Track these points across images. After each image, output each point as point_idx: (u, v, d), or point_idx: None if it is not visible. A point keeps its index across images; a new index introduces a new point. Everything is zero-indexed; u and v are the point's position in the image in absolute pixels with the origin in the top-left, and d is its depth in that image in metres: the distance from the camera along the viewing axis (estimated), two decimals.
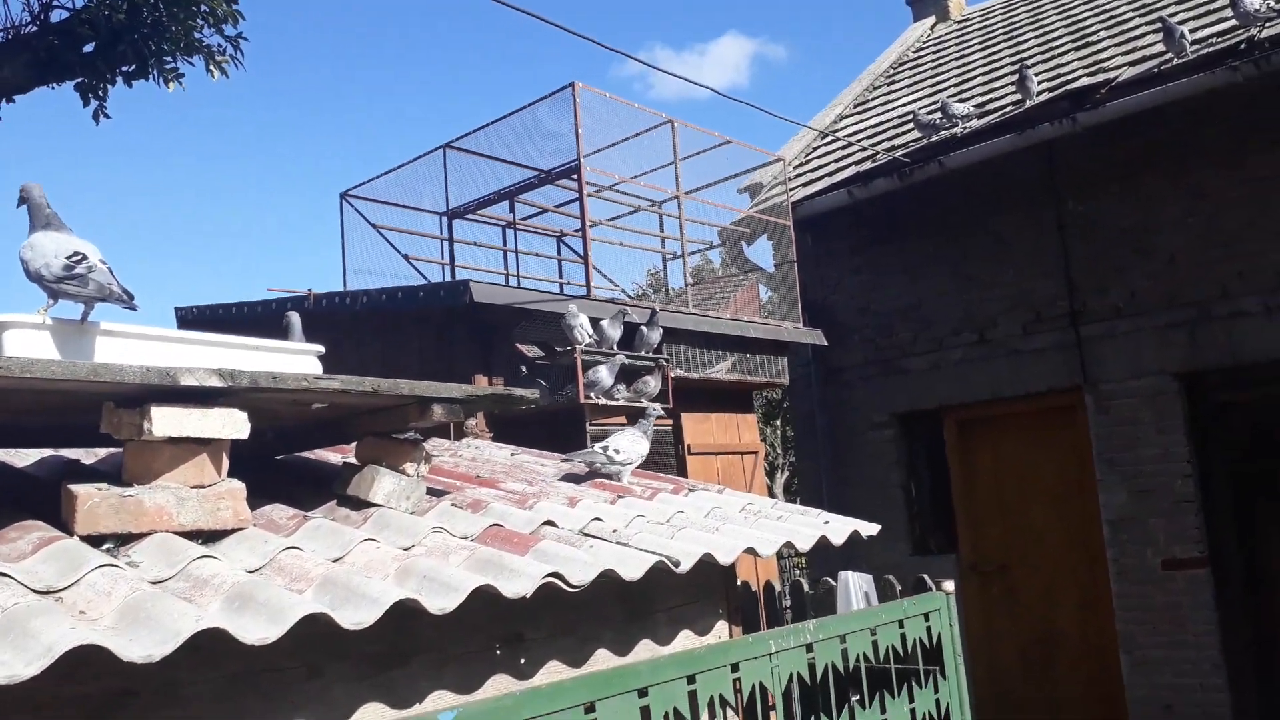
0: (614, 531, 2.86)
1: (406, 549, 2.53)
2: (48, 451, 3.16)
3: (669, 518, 3.18)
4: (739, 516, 3.36)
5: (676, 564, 2.66)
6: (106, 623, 1.75)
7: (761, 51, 54.63)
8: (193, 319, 7.64)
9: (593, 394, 5.41)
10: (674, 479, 3.87)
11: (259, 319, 7.22)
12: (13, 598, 1.69)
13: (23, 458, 3.07)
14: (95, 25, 7.18)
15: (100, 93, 7.33)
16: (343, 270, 7.89)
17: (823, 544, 3.26)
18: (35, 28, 7.35)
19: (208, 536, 2.31)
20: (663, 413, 5.03)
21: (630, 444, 3.63)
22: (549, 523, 2.90)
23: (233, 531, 2.35)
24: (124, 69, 7.51)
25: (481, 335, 5.91)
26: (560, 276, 8.40)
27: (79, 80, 7.33)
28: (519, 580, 2.31)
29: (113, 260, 2.34)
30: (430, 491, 3.06)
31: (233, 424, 2.33)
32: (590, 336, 5.59)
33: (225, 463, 2.39)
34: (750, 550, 2.96)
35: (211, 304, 7.69)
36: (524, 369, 5.77)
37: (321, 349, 2.82)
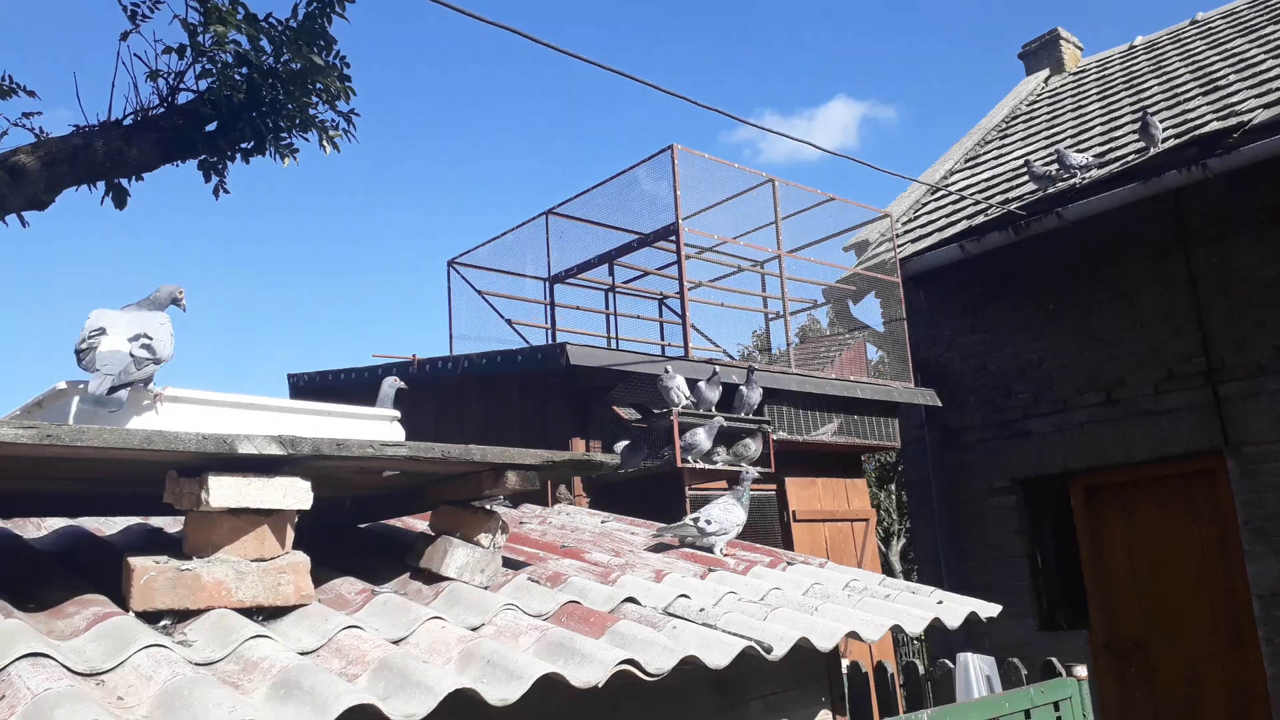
0: (701, 611, 2.65)
1: (475, 629, 2.38)
2: (136, 520, 3.15)
3: (763, 595, 2.95)
4: (841, 594, 3.10)
5: (768, 650, 2.43)
6: (142, 711, 1.64)
7: (871, 114, 54.32)
8: (304, 385, 7.81)
9: (690, 457, 5.22)
10: (772, 550, 3.63)
11: (364, 384, 7.32)
12: (46, 681, 1.60)
13: (110, 525, 3.07)
14: (217, 105, 7.55)
15: (220, 169, 7.67)
16: (449, 337, 7.97)
17: (936, 625, 2.97)
18: (163, 110, 7.78)
19: (269, 613, 2.21)
20: (759, 475, 4.79)
21: (723, 513, 3.43)
22: (631, 600, 2.71)
23: (295, 608, 2.25)
24: (243, 146, 7.86)
25: (578, 398, 5.81)
26: (661, 339, 8.29)
27: (201, 158, 7.70)
28: (589, 667, 2.13)
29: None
30: (509, 563, 2.92)
31: (295, 494, 2.24)
32: (688, 398, 5.42)
33: (290, 534, 2.30)
34: (852, 635, 2.71)
35: (322, 370, 7.86)
36: (618, 432, 5.63)
37: (397, 414, 2.73)
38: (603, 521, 4.22)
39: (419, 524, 3.55)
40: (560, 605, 2.56)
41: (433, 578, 2.68)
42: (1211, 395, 6.97)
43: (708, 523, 3.36)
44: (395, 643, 2.25)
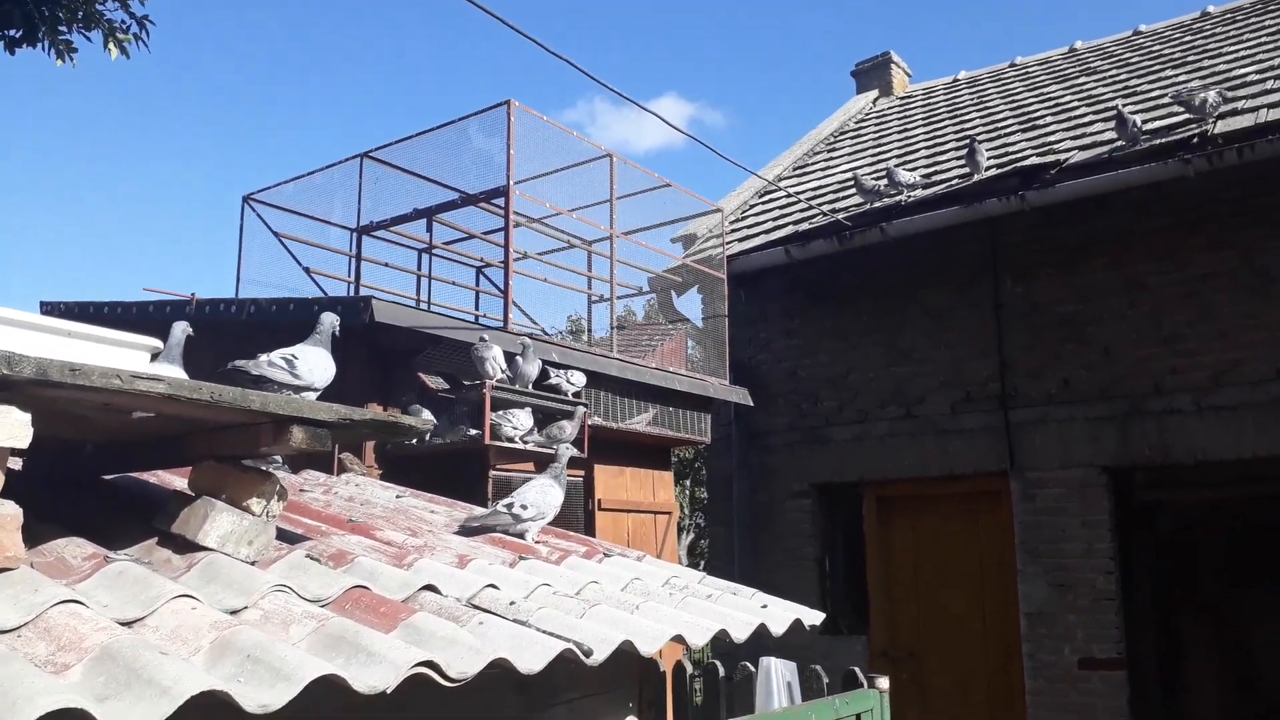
0: (511, 604, 2.29)
1: (235, 612, 1.93)
2: None
3: (580, 589, 2.63)
4: (662, 592, 2.82)
5: (588, 653, 2.10)
6: None
7: (700, 115, 55.36)
8: (59, 316, 6.81)
9: (503, 436, 4.84)
10: (586, 540, 3.32)
11: (133, 321, 6.46)
12: None
13: None
14: None
15: None
16: (236, 279, 7.18)
17: (761, 632, 2.75)
18: None
19: None
20: (577, 453, 4.47)
21: (540, 496, 3.09)
22: (430, 588, 2.31)
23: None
24: (9, 33, 6.78)
25: (381, 360, 5.29)
26: (476, 309, 7.82)
27: None
28: (378, 669, 1.73)
29: None
30: (284, 536, 2.46)
31: (8, 427, 1.72)
32: (503, 372, 5.03)
33: None
34: (679, 639, 2.43)
35: (81, 300, 6.90)
36: (423, 401, 5.16)
37: (158, 343, 2.21)
38: (397, 496, 3.78)
39: (179, 481, 3.00)
40: (344, 590, 2.14)
41: (187, 546, 2.18)
42: (1003, 420, 7.26)
43: (524, 507, 3.01)
44: (127, 624, 1.77)
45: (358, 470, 4.48)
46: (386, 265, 7.29)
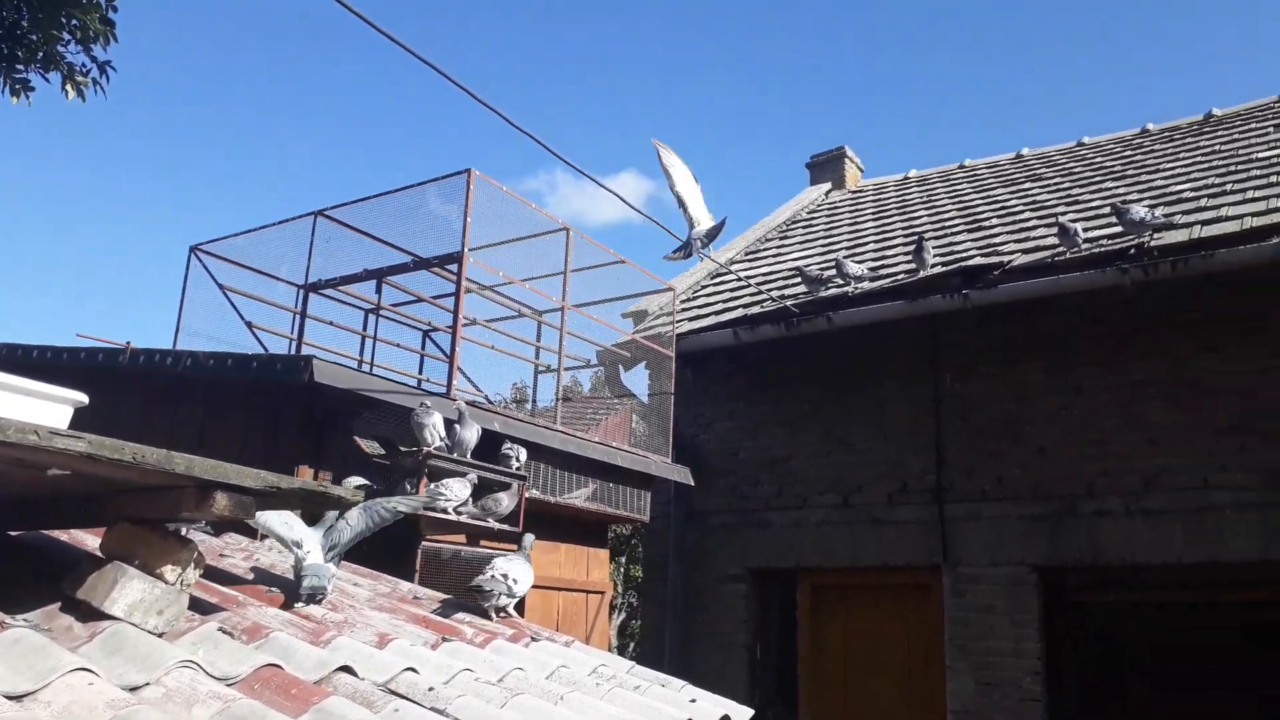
0: (430, 690, 2.21)
1: (135, 689, 1.83)
2: None
3: (503, 676, 2.55)
4: (589, 682, 2.75)
5: None
6: None
7: (658, 193, 56.35)
8: None
9: (438, 508, 4.74)
10: (513, 622, 3.24)
11: (64, 367, 6.28)
12: None
13: None
14: None
15: None
16: (176, 329, 7.03)
17: None
18: None
19: None
20: (532, 537, 4.38)
21: (524, 572, 3.03)
22: (346, 669, 2.23)
23: None
24: None
25: (316, 421, 5.19)
26: (420, 372, 7.73)
27: None
28: None
29: None
30: (197, 605, 2.36)
31: None
32: (442, 439, 4.95)
33: None
34: None
35: (9, 343, 6.68)
36: (356, 466, 5.05)
37: (83, 398, 2.14)
38: None
39: (92, 540, 2.88)
40: (255, 668, 2.04)
41: (93, 614, 2.08)
42: (938, 514, 7.31)
43: (514, 581, 2.96)
44: (16, 699, 1.67)
45: None
46: (332, 324, 7.20)
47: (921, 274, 7.46)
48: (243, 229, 7.13)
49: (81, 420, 2.41)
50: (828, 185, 12.68)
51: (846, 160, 12.68)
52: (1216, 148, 8.91)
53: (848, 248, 9.46)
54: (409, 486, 4.76)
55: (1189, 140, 9.63)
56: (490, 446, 5.36)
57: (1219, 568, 6.38)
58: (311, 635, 2.40)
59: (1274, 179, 7.27)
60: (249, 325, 7.03)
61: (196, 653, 2.02)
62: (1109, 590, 7.14)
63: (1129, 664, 8.12)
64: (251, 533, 4.22)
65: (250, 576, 3.09)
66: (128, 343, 6.05)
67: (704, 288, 9.67)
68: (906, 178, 12.30)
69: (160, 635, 2.09)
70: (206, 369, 5.31)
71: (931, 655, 7.20)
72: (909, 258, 7.94)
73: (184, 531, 2.32)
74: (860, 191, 12.36)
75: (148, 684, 1.85)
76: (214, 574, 2.87)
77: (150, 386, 6.06)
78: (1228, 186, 7.47)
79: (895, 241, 9.12)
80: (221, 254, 7.02)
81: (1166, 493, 6.53)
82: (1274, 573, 6.29)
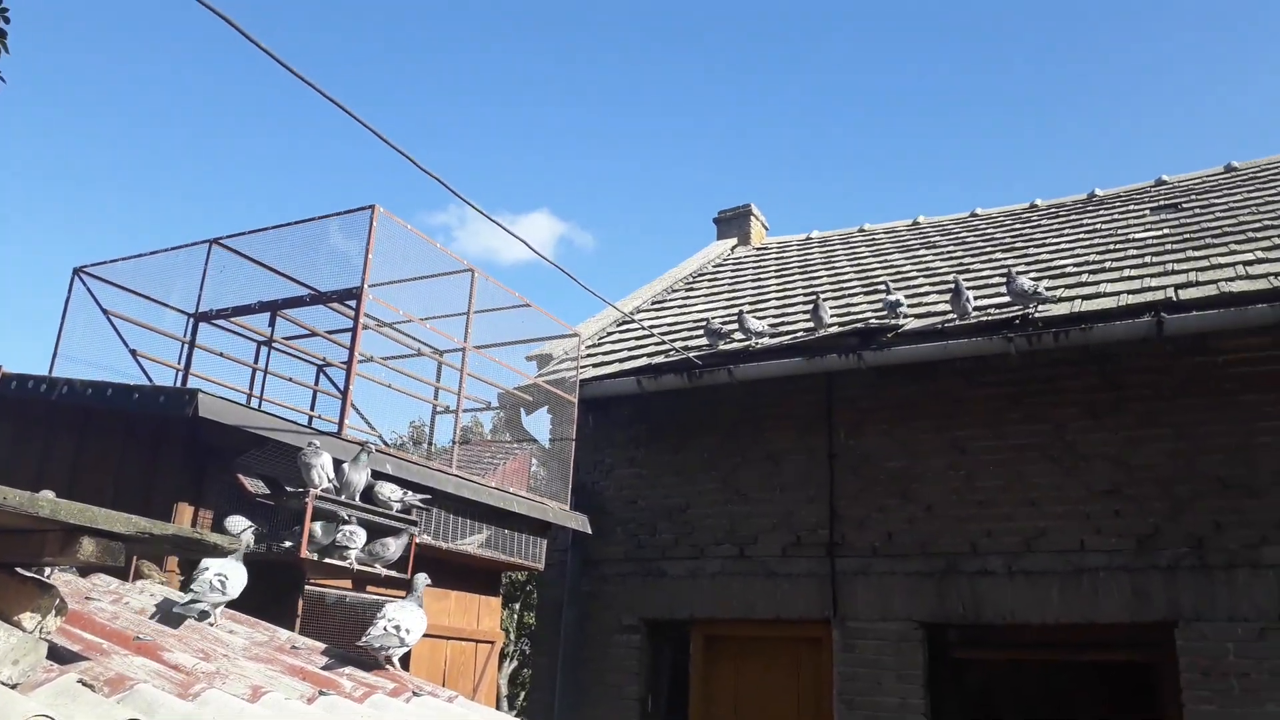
0: None
1: None
2: None
3: None
4: None
5: None
6: None
7: (570, 235, 56.55)
8: None
9: (332, 554, 4.59)
10: (395, 675, 3.14)
11: None
12: None
13: None
14: None
15: None
16: (53, 355, 6.69)
17: None
18: None
19: None
20: (428, 581, 4.27)
21: (415, 621, 2.95)
22: None
23: None
24: None
25: (199, 457, 4.99)
26: (312, 408, 7.52)
27: None
28: None
29: None
30: (56, 654, 2.22)
31: None
32: (330, 481, 4.82)
33: None
34: None
35: None
36: (238, 505, 4.86)
37: None
38: (160, 616, 3.48)
39: None
40: None
41: None
42: (830, 567, 7.42)
43: (407, 631, 2.87)
44: None
45: (156, 578, 4.15)
46: (221, 355, 6.96)
47: (819, 332, 7.64)
48: (131, 254, 6.85)
49: None
50: (734, 240, 12.93)
51: (752, 217, 12.97)
52: (1098, 226, 9.42)
53: (751, 303, 9.64)
54: (295, 529, 4.61)
55: (1073, 217, 10.17)
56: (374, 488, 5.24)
57: (1092, 629, 6.62)
58: (180, 687, 2.29)
59: (1148, 259, 7.71)
60: (133, 353, 6.75)
61: (53, 706, 1.89)
62: (990, 647, 7.32)
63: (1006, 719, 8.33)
64: (122, 574, 4.01)
65: (117, 622, 2.93)
66: None
67: (609, 334, 9.70)
68: (809, 238, 12.64)
69: (14, 686, 1.95)
70: (84, 398, 5.07)
71: (822, 709, 7.25)
72: (808, 316, 8.13)
73: (47, 575, 2.19)
74: (765, 249, 12.64)
75: None
76: (77, 619, 2.71)
77: (23, 415, 5.76)
78: (1107, 264, 7.90)
79: (796, 299, 9.33)
80: (108, 277, 6.74)
81: (1045, 554, 6.77)
82: (1142, 635, 6.55)
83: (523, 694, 15.02)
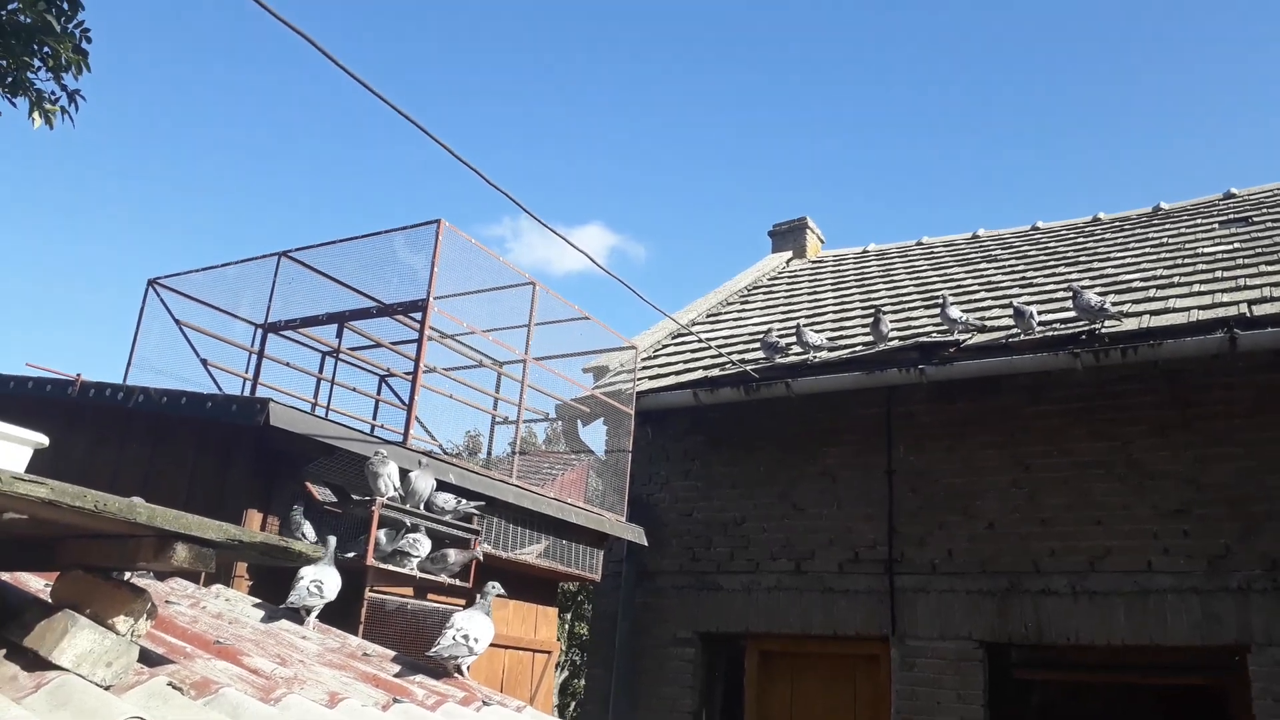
0: None
1: None
2: None
3: None
4: None
5: None
6: None
7: (622, 247, 56.85)
8: None
9: (396, 561, 4.66)
10: (464, 684, 3.18)
11: (11, 395, 6.12)
12: None
13: None
14: None
15: None
16: (128, 363, 6.90)
17: None
18: None
19: None
20: (502, 590, 4.31)
21: (483, 630, 3.01)
22: None
23: None
24: None
25: (268, 465, 5.10)
26: (374, 418, 7.65)
27: None
28: None
29: None
30: (145, 658, 2.29)
31: None
32: (396, 490, 4.89)
33: None
34: None
35: None
36: (306, 512, 4.96)
37: (44, 439, 2.10)
38: (269, 616, 3.58)
39: (36, 582, 2.79)
40: None
41: (39, 663, 2.01)
42: (888, 584, 7.35)
43: (476, 640, 2.93)
44: None
45: (225, 581, 4.25)
46: (289, 365, 7.11)
47: (879, 346, 7.58)
48: (204, 266, 7.04)
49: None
50: (789, 254, 12.89)
51: (808, 230, 12.92)
52: (1164, 240, 9.23)
53: (807, 316, 9.60)
54: (361, 537, 4.69)
55: (1138, 231, 9.97)
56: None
57: (1159, 651, 6.46)
58: (261, 692, 2.35)
59: (1219, 274, 7.54)
60: (204, 362, 6.93)
61: (146, 709, 1.96)
62: (1053, 669, 7.18)
63: None
64: (196, 578, 4.11)
65: (196, 626, 3.01)
66: (78, 375, 5.93)
67: (665, 346, 9.73)
68: (865, 251, 12.55)
69: (108, 688, 2.03)
70: (158, 406, 5.22)
71: None
72: (866, 329, 8.07)
73: (136, 579, 2.26)
74: (820, 261, 12.58)
75: None
76: (161, 622, 2.79)
77: (99, 421, 5.93)
78: (1175, 278, 7.73)
79: (854, 313, 9.27)
80: (180, 289, 6.94)
81: (1110, 574, 6.64)
82: (1211, 659, 6.38)
83: (573, 704, 15.06)
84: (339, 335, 7.15)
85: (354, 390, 7.60)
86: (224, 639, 2.86)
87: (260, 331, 6.93)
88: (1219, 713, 6.77)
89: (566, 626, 16.22)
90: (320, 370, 7.43)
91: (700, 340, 8.82)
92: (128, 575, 2.40)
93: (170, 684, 2.17)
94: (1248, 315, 6.28)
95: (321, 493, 5.35)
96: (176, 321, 6.94)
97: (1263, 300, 6.53)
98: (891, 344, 7.61)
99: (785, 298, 10.82)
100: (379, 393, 7.80)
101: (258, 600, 3.94)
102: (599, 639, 8.51)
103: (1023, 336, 6.97)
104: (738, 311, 10.67)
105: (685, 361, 8.95)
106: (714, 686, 8.01)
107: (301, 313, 6.83)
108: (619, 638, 8.08)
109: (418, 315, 5.95)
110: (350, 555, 4.80)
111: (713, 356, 8.59)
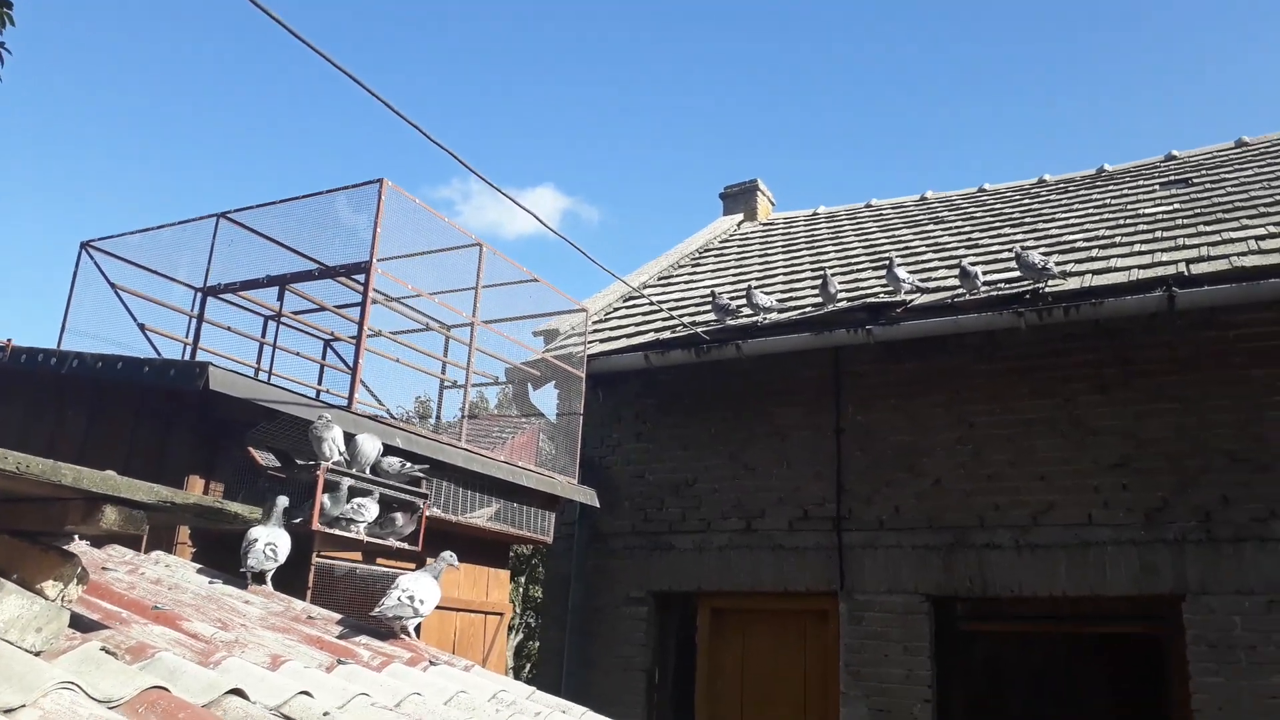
0: (325, 716, 2.14)
1: (9, 711, 1.71)
2: None
3: (399, 701, 2.48)
4: (489, 708, 2.70)
5: None
6: None
7: (575, 210, 56.46)
8: None
9: (348, 527, 4.60)
10: (411, 645, 3.16)
11: None
12: None
13: None
14: None
15: None
16: (61, 329, 6.70)
17: None
18: None
19: None
20: (454, 562, 4.27)
21: (429, 592, 2.98)
22: (237, 692, 2.13)
23: None
24: None
25: (210, 431, 5.00)
26: (320, 383, 7.53)
27: None
28: None
29: None
30: (78, 623, 2.23)
31: None
32: (341, 454, 4.82)
33: None
34: None
35: None
36: (250, 477, 4.88)
37: None
38: (210, 582, 3.51)
39: None
40: (140, 691, 1.94)
41: None
42: (837, 541, 7.45)
43: (421, 601, 2.90)
44: None
45: (166, 547, 4.17)
46: (229, 329, 6.96)
47: (828, 307, 7.62)
48: (139, 228, 6.84)
49: None
50: (740, 216, 12.88)
51: (759, 193, 12.91)
52: (1107, 201, 9.37)
53: (758, 278, 9.62)
54: (306, 503, 4.62)
55: (1082, 192, 10.11)
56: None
57: (1100, 602, 6.64)
58: (200, 655, 2.30)
59: (1159, 234, 7.67)
60: (141, 327, 6.75)
61: (78, 674, 1.90)
62: (996, 620, 7.35)
63: (1013, 694, 8.38)
64: (135, 544, 4.03)
65: (134, 592, 2.94)
66: (8, 340, 5.74)
67: (616, 310, 9.69)
68: (816, 213, 12.59)
69: (38, 654, 1.97)
70: (94, 371, 5.08)
71: (828, 681, 7.31)
72: (815, 291, 8.10)
73: (67, 545, 2.20)
74: (771, 224, 12.59)
75: (24, 706, 1.74)
76: (96, 588, 2.72)
77: (32, 388, 5.77)
78: (1117, 239, 7.86)
79: (803, 274, 9.30)
80: (115, 251, 6.74)
81: (1053, 527, 6.79)
82: (1149, 608, 6.58)
83: (529, 665, 15.15)
84: (280, 298, 7.00)
85: (298, 355, 7.47)
86: (163, 604, 2.80)
87: (199, 295, 6.77)
88: (1156, 660, 7.00)
89: (521, 589, 16.26)
90: (263, 335, 7.28)
91: (652, 303, 8.80)
92: (65, 544, 2.33)
93: (104, 649, 2.11)
94: (1186, 274, 6.40)
95: (265, 458, 5.27)
96: (112, 285, 6.75)
97: (1200, 259, 6.66)
98: (840, 305, 7.65)
99: (736, 260, 10.83)
100: (324, 357, 7.68)
101: (200, 566, 3.87)
102: (552, 600, 8.54)
103: (968, 296, 7.04)
104: (689, 274, 10.66)
105: (637, 324, 8.93)
106: (667, 644, 8.09)
107: (242, 276, 6.68)
108: (572, 598, 8.11)
109: (361, 278, 5.85)
110: (297, 520, 4.74)
111: (664, 319, 8.57)
